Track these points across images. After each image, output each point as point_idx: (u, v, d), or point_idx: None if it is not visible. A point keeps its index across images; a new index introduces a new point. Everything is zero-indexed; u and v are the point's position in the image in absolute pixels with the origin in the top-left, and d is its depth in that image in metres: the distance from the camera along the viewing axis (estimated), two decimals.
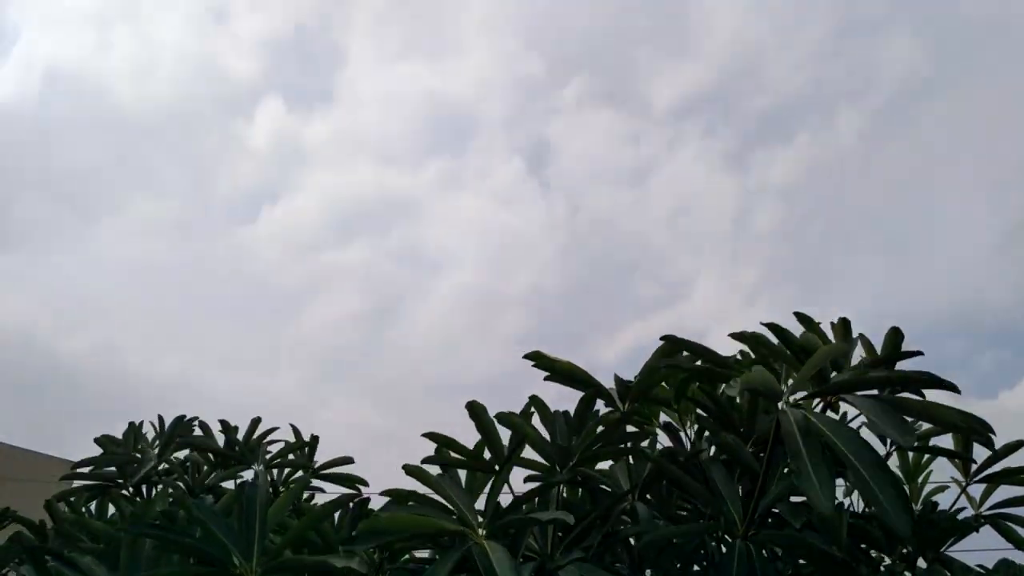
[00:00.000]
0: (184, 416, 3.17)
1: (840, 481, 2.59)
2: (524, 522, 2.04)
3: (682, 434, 2.54)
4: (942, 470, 2.71)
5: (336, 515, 2.60)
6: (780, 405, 1.94)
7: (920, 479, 2.74)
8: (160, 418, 3.23)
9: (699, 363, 2.19)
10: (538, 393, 2.43)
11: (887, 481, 1.71)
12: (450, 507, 2.10)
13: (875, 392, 2.00)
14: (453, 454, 2.38)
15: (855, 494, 2.64)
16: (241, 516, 1.95)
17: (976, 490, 2.60)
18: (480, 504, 2.16)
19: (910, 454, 2.75)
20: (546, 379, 2.33)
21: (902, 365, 2.26)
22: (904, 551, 2.45)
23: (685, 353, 2.22)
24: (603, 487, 2.38)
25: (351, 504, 2.45)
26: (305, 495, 2.95)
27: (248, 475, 2.97)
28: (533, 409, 2.41)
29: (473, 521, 2.03)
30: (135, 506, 2.66)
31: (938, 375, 1.99)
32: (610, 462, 2.43)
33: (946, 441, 2.59)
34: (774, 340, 2.23)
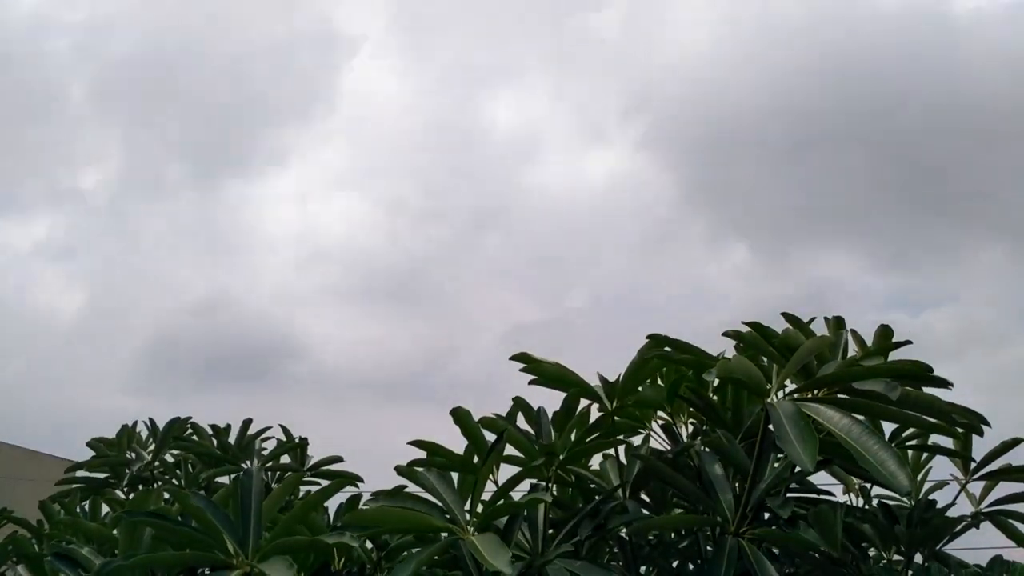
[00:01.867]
0: (178, 417, 3.21)
1: (839, 481, 2.60)
2: (505, 509, 2.03)
3: (676, 432, 2.54)
4: (942, 469, 2.69)
5: (331, 514, 2.62)
6: (769, 399, 1.93)
7: (919, 477, 2.71)
8: (152, 420, 3.27)
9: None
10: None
11: (880, 446, 1.70)
12: (439, 505, 2.10)
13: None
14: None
15: (851, 494, 2.63)
16: (237, 508, 1.96)
17: (976, 487, 2.58)
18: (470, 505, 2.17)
19: (910, 452, 2.72)
20: (531, 383, 2.33)
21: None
22: (900, 548, 2.43)
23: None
24: (592, 485, 2.38)
25: (342, 502, 2.45)
26: (300, 492, 2.96)
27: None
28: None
29: (462, 518, 2.03)
30: (130, 502, 2.69)
31: (930, 366, 1.99)
32: (600, 458, 2.42)
33: (945, 438, 2.56)
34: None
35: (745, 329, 2.27)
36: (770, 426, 1.85)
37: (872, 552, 2.53)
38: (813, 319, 2.46)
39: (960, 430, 2.26)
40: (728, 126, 21.62)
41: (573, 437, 2.26)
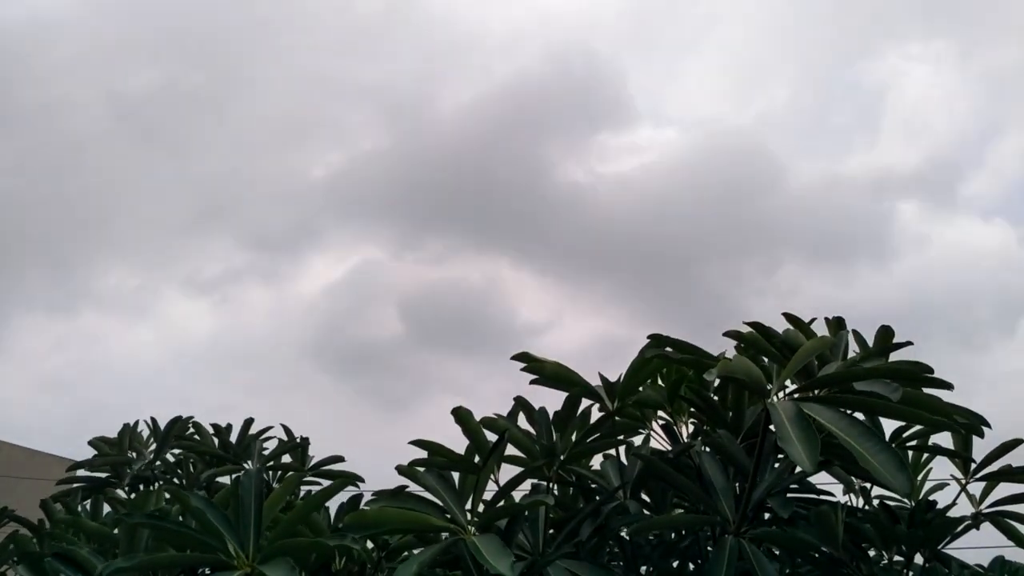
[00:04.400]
0: (180, 417, 3.21)
1: (839, 481, 2.60)
2: (507, 511, 2.03)
3: (677, 433, 2.54)
4: (942, 469, 2.69)
5: (332, 513, 2.62)
6: (770, 400, 1.93)
7: (919, 477, 2.71)
8: (153, 420, 3.27)
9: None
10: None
11: (880, 447, 1.71)
12: (440, 505, 2.10)
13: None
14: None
15: (852, 494, 2.62)
16: (237, 509, 1.96)
17: (976, 488, 2.57)
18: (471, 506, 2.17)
19: (910, 453, 2.72)
20: (533, 383, 2.33)
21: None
22: (901, 548, 2.43)
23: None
24: (594, 485, 2.38)
25: (343, 502, 2.45)
26: (301, 493, 2.97)
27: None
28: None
29: (463, 518, 2.03)
30: (131, 503, 2.69)
31: (931, 367, 1.99)
32: (600, 458, 2.42)
33: (945, 439, 2.56)
34: None
35: (746, 329, 2.27)
36: (771, 426, 1.85)
37: (872, 552, 2.53)
38: (814, 319, 2.46)
39: (961, 431, 2.26)
40: None
41: (574, 437, 2.26)
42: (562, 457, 2.21)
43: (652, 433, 2.56)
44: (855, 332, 2.45)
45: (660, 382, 2.57)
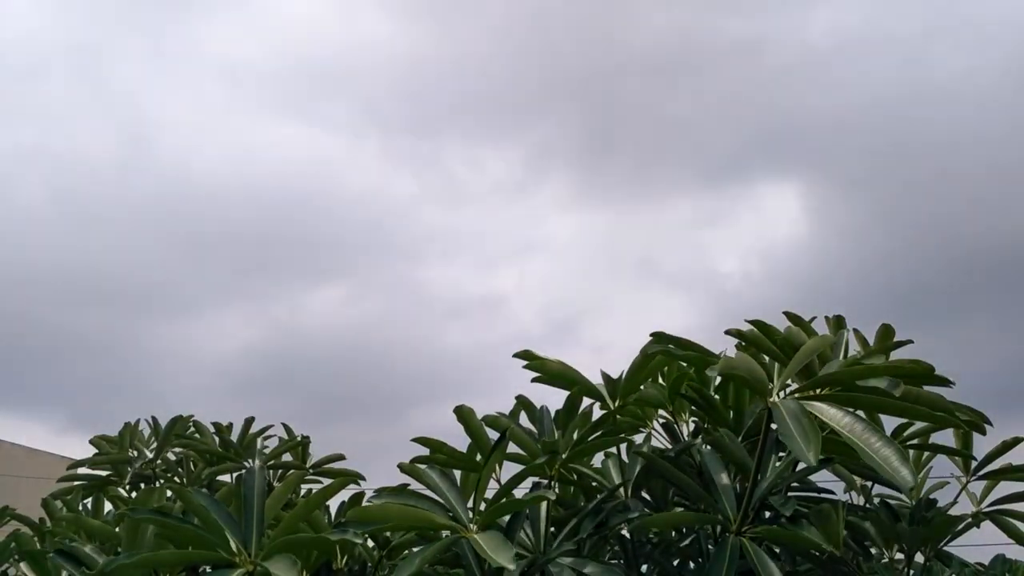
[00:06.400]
0: (180, 415, 3.22)
1: (840, 479, 2.60)
2: (508, 507, 2.04)
3: (677, 431, 2.54)
4: (943, 467, 2.69)
5: (333, 510, 2.62)
6: (771, 399, 1.93)
7: (920, 475, 2.71)
8: (154, 418, 3.28)
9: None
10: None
11: (883, 442, 1.71)
12: (442, 503, 2.11)
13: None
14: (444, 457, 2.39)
15: (852, 493, 2.63)
16: (240, 506, 1.97)
17: (977, 487, 2.58)
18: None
19: (911, 452, 2.72)
20: (534, 380, 2.34)
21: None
22: (902, 547, 2.43)
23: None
24: (594, 483, 2.38)
25: (344, 500, 2.45)
26: (302, 491, 2.97)
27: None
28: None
29: (464, 516, 2.03)
30: (134, 500, 2.70)
31: (931, 365, 1.99)
32: (602, 457, 2.43)
33: (946, 438, 2.57)
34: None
35: (748, 327, 2.27)
36: (772, 424, 1.85)
37: (873, 551, 2.53)
38: (814, 318, 2.46)
39: (962, 429, 2.27)
40: None
41: (576, 436, 2.26)
42: (563, 455, 2.21)
43: (653, 432, 2.56)
44: (855, 330, 2.46)
45: (661, 380, 2.58)
